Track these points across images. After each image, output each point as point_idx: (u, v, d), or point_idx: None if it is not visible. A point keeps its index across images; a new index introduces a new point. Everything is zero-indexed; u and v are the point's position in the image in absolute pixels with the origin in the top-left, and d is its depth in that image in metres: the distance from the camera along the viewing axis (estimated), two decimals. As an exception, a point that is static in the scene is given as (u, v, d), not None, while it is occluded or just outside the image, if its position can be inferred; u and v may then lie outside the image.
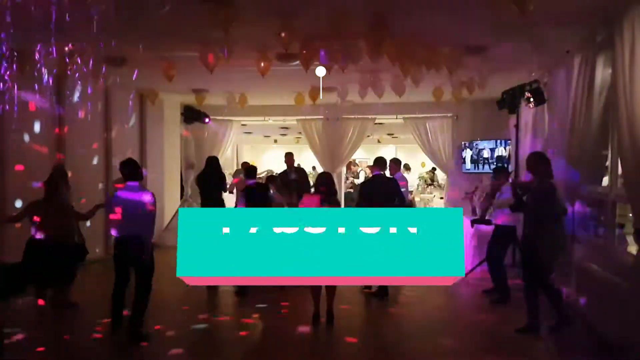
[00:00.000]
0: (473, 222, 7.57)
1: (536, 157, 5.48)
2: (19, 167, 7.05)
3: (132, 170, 5.09)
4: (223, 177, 8.89)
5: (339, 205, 5.62)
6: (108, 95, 9.17)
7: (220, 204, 8.43)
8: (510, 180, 6.77)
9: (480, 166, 10.39)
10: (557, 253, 5.25)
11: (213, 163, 8.58)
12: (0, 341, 4.32)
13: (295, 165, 9.82)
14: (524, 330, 5.18)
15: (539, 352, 4.89)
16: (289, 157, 9.26)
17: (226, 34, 4.65)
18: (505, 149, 10.04)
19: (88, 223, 6.86)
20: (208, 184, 8.42)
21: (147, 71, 7.85)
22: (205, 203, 8.39)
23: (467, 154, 10.67)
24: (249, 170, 7.50)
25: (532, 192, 5.36)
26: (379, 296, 6.66)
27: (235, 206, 7.75)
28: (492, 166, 9.13)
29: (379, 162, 7.02)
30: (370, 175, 7.30)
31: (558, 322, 5.14)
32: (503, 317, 5.80)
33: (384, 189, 6.64)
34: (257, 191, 6.99)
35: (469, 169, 10.66)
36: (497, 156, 10.13)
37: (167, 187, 10.97)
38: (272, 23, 5.13)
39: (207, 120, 11.35)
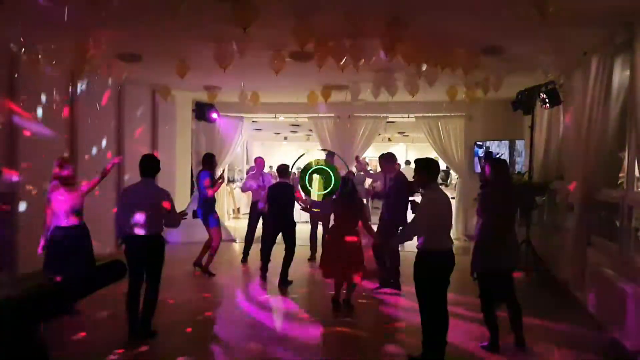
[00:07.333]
0: None
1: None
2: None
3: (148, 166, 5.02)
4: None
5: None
6: (121, 91, 9.20)
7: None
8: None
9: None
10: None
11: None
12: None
13: None
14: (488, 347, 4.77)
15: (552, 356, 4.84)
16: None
17: (244, 32, 4.64)
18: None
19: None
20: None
21: (160, 68, 7.87)
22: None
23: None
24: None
25: None
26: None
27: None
28: None
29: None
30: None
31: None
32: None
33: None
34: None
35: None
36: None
37: (178, 183, 10.99)
38: (287, 21, 5.12)
39: (213, 116, 11.08)
